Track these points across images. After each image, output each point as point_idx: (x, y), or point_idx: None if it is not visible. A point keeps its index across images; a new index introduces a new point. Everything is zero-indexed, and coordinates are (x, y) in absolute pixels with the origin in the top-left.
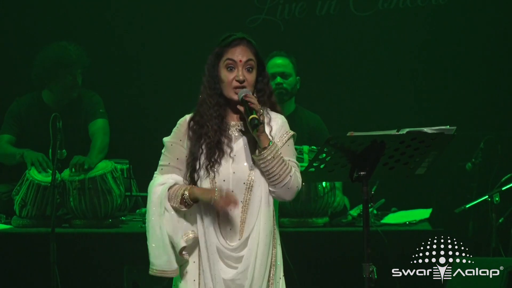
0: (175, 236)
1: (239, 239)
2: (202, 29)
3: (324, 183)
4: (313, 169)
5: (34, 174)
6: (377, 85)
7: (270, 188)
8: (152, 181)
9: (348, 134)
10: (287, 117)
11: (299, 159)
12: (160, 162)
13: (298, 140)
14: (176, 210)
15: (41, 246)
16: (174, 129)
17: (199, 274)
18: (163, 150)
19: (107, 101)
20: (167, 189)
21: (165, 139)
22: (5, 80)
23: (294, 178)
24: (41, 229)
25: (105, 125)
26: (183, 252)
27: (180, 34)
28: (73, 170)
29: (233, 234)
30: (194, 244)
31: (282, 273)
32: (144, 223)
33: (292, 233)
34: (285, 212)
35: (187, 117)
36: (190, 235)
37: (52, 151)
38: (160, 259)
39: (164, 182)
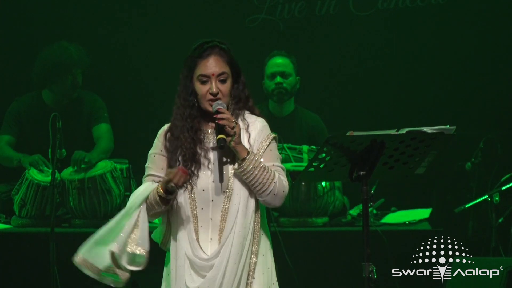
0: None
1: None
2: (202, 29)
3: (323, 183)
4: (312, 169)
5: (34, 174)
6: (376, 84)
7: (258, 198)
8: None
9: (347, 133)
10: (286, 118)
11: (299, 159)
12: (144, 176)
13: (298, 140)
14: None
15: (40, 245)
16: (155, 140)
17: (171, 284)
18: (146, 164)
19: (107, 101)
20: (144, 198)
21: (149, 152)
22: (5, 80)
23: (279, 183)
24: (41, 229)
25: (109, 130)
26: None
27: (179, 34)
28: (75, 167)
29: (214, 244)
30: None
31: (275, 279)
32: None
33: (292, 233)
34: (284, 212)
35: (165, 127)
36: (143, 252)
37: (51, 150)
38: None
39: (144, 186)
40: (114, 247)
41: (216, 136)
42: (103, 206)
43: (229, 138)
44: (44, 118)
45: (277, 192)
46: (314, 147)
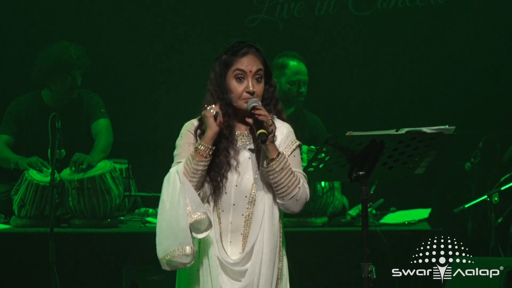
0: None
1: (240, 253)
2: (202, 29)
3: (323, 183)
4: (312, 169)
5: (33, 174)
6: (376, 84)
7: (278, 200)
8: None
9: (347, 133)
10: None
11: None
12: (176, 159)
13: (299, 140)
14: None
15: (40, 246)
16: (183, 132)
17: (201, 284)
18: (175, 152)
19: (106, 101)
20: (180, 168)
21: (179, 142)
22: (4, 80)
23: (303, 189)
24: (40, 229)
25: (108, 125)
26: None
27: (179, 34)
28: (73, 168)
29: (234, 248)
30: (202, 227)
31: (288, 285)
32: (143, 223)
33: (291, 233)
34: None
35: (194, 122)
36: (201, 216)
37: (51, 151)
38: (168, 239)
39: (176, 166)
40: (189, 219)
41: (256, 130)
42: (103, 206)
43: (269, 135)
44: (43, 118)
45: (300, 198)
46: (314, 147)
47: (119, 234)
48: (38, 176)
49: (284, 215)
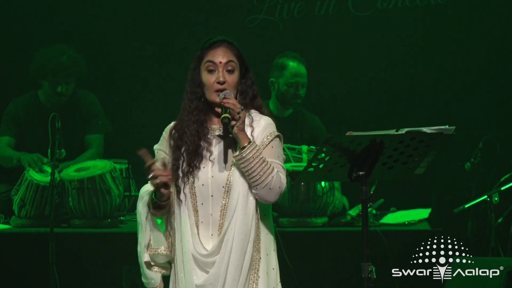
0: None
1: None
2: (201, 29)
3: (323, 183)
4: (312, 169)
5: (33, 174)
6: (376, 84)
7: (253, 190)
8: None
9: (347, 133)
10: (286, 118)
11: (298, 159)
12: None
13: (298, 141)
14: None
15: (40, 246)
16: (161, 136)
17: (174, 280)
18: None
19: (106, 101)
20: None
21: (154, 147)
22: (2, 81)
23: (277, 178)
24: (40, 229)
25: (101, 141)
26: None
27: (178, 34)
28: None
29: (214, 239)
30: (162, 260)
31: (279, 280)
32: None
33: (291, 233)
34: (284, 212)
35: (172, 124)
36: (159, 251)
37: (51, 151)
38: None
39: (142, 196)
40: (145, 258)
41: (222, 114)
42: (103, 206)
43: (234, 122)
44: (41, 118)
45: (273, 186)
46: (314, 147)
47: (119, 234)
48: (38, 176)
49: (282, 215)
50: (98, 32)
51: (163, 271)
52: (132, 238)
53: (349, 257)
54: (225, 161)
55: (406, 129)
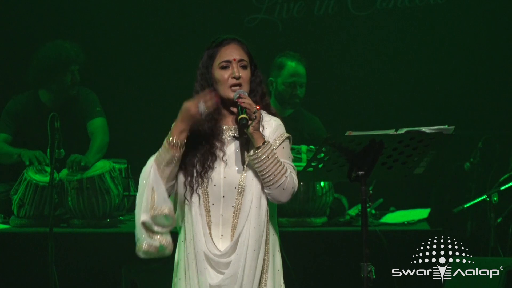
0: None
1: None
2: (201, 29)
3: (322, 183)
4: (311, 169)
5: (32, 174)
6: (375, 84)
7: (265, 190)
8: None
9: (346, 133)
10: (286, 118)
11: (297, 159)
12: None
13: (298, 141)
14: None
15: (39, 246)
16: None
17: (186, 278)
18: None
19: (105, 101)
20: (153, 158)
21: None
22: (1, 79)
23: (290, 179)
24: (39, 229)
25: (104, 124)
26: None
27: (178, 34)
28: (70, 169)
29: (225, 240)
30: (165, 223)
31: (282, 280)
32: None
33: (290, 233)
34: (283, 211)
35: None
36: (163, 211)
37: (50, 150)
38: (136, 229)
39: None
40: (143, 217)
41: (239, 115)
42: (102, 206)
43: (249, 122)
44: (40, 117)
45: (286, 187)
46: (313, 147)
47: (118, 234)
48: (37, 176)
49: (281, 215)
50: (98, 32)
51: (165, 239)
52: (131, 238)
53: (349, 257)
54: (243, 162)
55: (406, 129)
